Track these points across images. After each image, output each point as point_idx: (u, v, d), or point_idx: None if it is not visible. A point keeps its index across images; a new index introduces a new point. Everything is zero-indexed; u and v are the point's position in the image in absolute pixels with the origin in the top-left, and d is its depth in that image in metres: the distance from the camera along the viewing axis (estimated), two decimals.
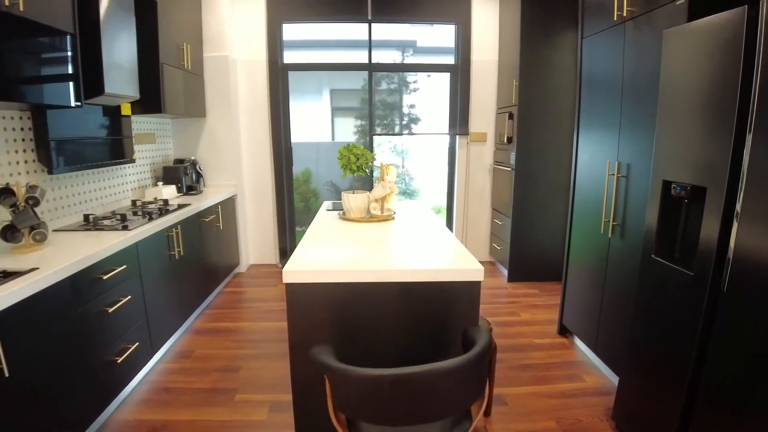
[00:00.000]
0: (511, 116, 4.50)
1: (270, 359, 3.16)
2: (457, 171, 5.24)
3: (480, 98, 5.08)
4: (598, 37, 2.90)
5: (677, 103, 1.95)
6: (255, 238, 5.29)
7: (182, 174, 4.28)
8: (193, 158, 4.55)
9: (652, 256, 2.09)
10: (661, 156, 2.05)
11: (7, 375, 1.74)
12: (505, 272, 4.75)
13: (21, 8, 2.15)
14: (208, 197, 4.17)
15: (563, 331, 3.49)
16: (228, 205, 4.62)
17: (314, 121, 6.73)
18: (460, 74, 5.06)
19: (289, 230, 5.30)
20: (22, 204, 2.36)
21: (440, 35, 5.90)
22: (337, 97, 7.46)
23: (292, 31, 5.11)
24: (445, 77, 5.26)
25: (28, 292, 1.88)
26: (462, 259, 2.00)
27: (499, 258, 5.00)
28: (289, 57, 5.11)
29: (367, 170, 2.84)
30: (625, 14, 2.55)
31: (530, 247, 4.60)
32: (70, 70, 2.57)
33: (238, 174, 4.92)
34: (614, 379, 2.75)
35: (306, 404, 2.01)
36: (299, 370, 1.97)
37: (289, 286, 1.87)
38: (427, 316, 1.91)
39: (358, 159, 2.78)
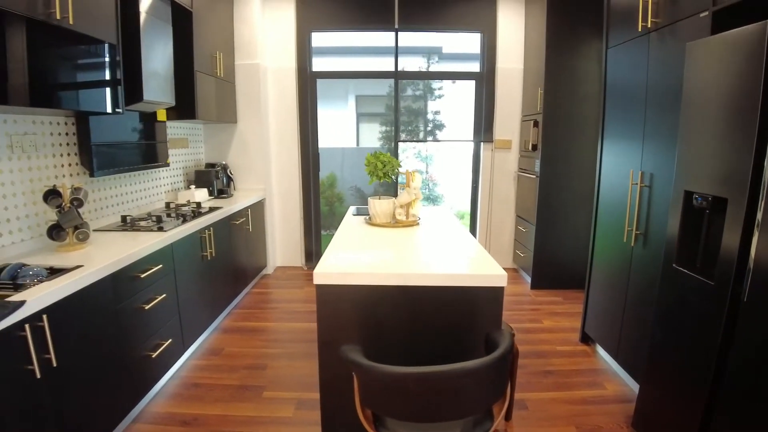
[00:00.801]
0: (536, 124, 4.53)
1: (295, 359, 3.25)
2: (482, 177, 5.29)
3: (505, 105, 5.12)
4: (623, 48, 2.93)
5: (699, 114, 1.98)
6: (282, 240, 5.42)
7: (214, 178, 4.42)
8: (224, 163, 4.70)
9: (674, 265, 2.12)
10: (683, 167, 2.08)
11: (54, 365, 1.86)
12: (528, 279, 4.77)
13: (71, 21, 2.29)
14: (238, 201, 4.30)
15: (585, 338, 3.50)
16: (257, 209, 4.76)
17: (339, 126, 6.84)
18: (486, 82, 5.11)
19: (315, 234, 5.41)
20: (68, 205, 2.51)
21: (465, 42, 5.96)
22: (362, 103, 7.56)
23: (319, 38, 5.23)
24: (470, 84, 5.31)
25: (75, 288, 2.01)
26: (486, 265, 2.06)
27: (522, 265, 5.02)
28: (317, 63, 5.23)
29: (393, 176, 2.91)
30: (649, 25, 2.58)
31: (554, 255, 4.61)
32: (114, 79, 2.71)
33: (266, 178, 5.05)
34: (635, 387, 2.76)
35: (333, 401, 2.09)
36: (327, 368, 2.05)
37: (319, 287, 1.95)
38: (451, 319, 1.98)
39: (384, 166, 2.86)
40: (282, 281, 4.99)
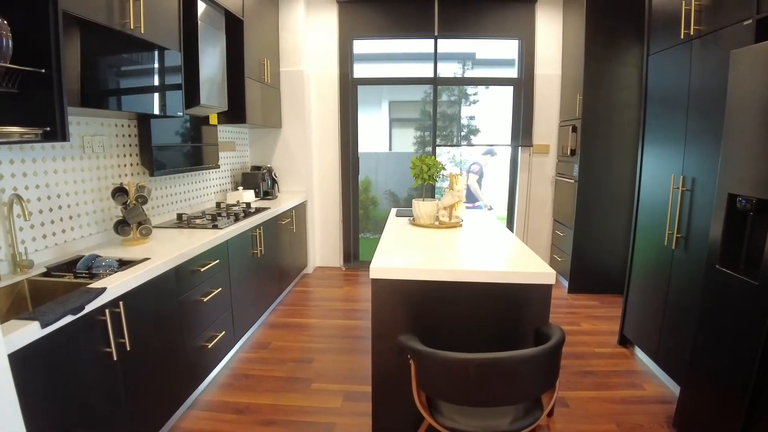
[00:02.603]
0: (574, 129, 4.57)
1: (340, 353, 3.38)
2: (519, 182, 5.34)
3: (543, 111, 5.17)
4: (664, 55, 2.96)
5: (744, 120, 2.02)
6: (321, 241, 5.57)
7: (260, 180, 4.60)
8: (269, 165, 4.88)
9: (717, 266, 2.15)
10: (727, 170, 2.11)
11: (128, 349, 2.02)
12: (566, 283, 4.79)
13: (142, 30, 2.47)
14: (283, 202, 4.47)
15: (624, 341, 3.52)
16: (300, 210, 4.92)
17: (373, 131, 6.96)
18: (524, 88, 5.17)
19: (353, 236, 5.54)
20: (133, 202, 2.68)
21: (499, 47, 6.03)
22: (396, 109, 7.68)
23: (357, 44, 5.36)
24: (504, 89, 5.37)
25: (145, 278, 2.17)
26: (534, 264, 2.14)
27: (559, 269, 5.04)
28: (356, 70, 5.36)
29: (437, 179, 3.01)
30: (692, 33, 2.61)
31: (591, 259, 4.62)
32: (177, 84, 2.89)
33: (308, 181, 5.22)
34: (675, 389, 2.79)
35: (384, 390, 2.19)
36: (379, 359, 2.15)
37: (374, 281, 2.07)
38: (501, 314, 2.06)
39: (429, 169, 2.95)
40: (322, 280, 5.13)
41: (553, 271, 2.01)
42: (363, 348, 3.45)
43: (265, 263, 3.80)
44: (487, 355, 1.43)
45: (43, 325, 1.57)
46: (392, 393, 2.16)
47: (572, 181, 4.64)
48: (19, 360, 1.43)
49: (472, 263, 2.18)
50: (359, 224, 5.70)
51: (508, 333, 2.08)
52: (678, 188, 2.75)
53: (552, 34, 5.05)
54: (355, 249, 5.60)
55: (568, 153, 4.72)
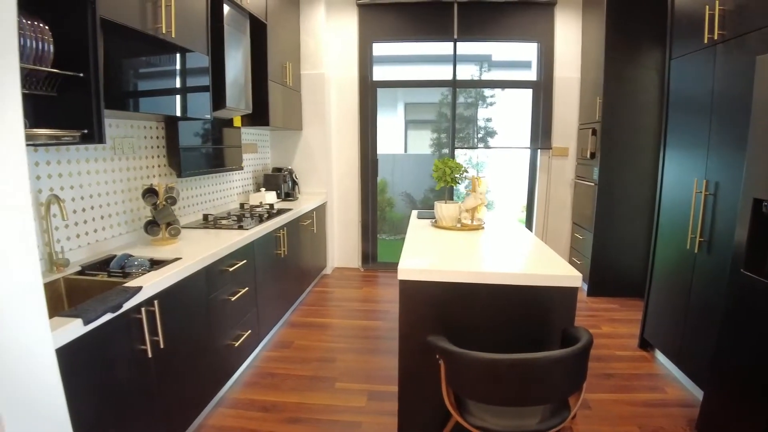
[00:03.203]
0: (594, 132, 4.57)
1: (362, 353, 3.42)
2: (538, 185, 5.34)
3: (561, 114, 5.17)
4: (687, 59, 2.96)
5: None
6: (340, 242, 5.62)
7: (281, 181, 4.67)
8: (289, 167, 4.94)
9: (742, 270, 2.15)
10: (752, 175, 2.11)
11: (162, 346, 2.07)
12: (585, 287, 4.79)
13: (173, 35, 2.53)
14: (304, 204, 4.52)
15: (644, 344, 3.51)
16: (320, 211, 4.98)
17: (389, 133, 6.99)
18: (543, 91, 5.17)
19: (371, 237, 5.58)
20: (162, 202, 2.74)
21: (515, 49, 6.03)
22: (412, 110, 7.70)
23: (376, 47, 5.40)
24: (521, 91, 5.38)
25: (178, 278, 2.22)
26: (560, 267, 2.15)
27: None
28: (374, 72, 5.41)
29: (460, 182, 3.03)
30: (716, 37, 2.60)
31: (611, 263, 4.61)
32: (204, 87, 2.95)
33: (328, 183, 5.28)
34: (697, 393, 2.78)
35: (411, 390, 2.22)
36: (406, 359, 2.19)
37: (402, 282, 2.10)
38: (527, 316, 2.08)
39: (452, 171, 2.98)
40: (341, 281, 5.18)
41: (579, 274, 2.03)
42: (385, 348, 3.48)
43: (288, 263, 3.86)
44: (518, 356, 1.45)
45: (86, 322, 1.63)
46: (418, 393, 2.19)
47: (592, 184, 4.64)
48: (64, 355, 1.47)
49: (498, 265, 2.21)
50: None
51: (534, 335, 2.10)
52: (701, 192, 2.74)
53: (571, 37, 5.05)
54: (374, 250, 5.65)
55: (588, 156, 4.71)
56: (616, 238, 4.57)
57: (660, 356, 3.31)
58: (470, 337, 2.10)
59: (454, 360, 1.60)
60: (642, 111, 4.37)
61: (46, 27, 1.92)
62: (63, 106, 2.04)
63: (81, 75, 2.01)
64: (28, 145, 2.02)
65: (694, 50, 2.87)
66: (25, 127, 1.87)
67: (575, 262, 5.09)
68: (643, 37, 4.27)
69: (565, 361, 1.50)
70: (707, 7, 2.62)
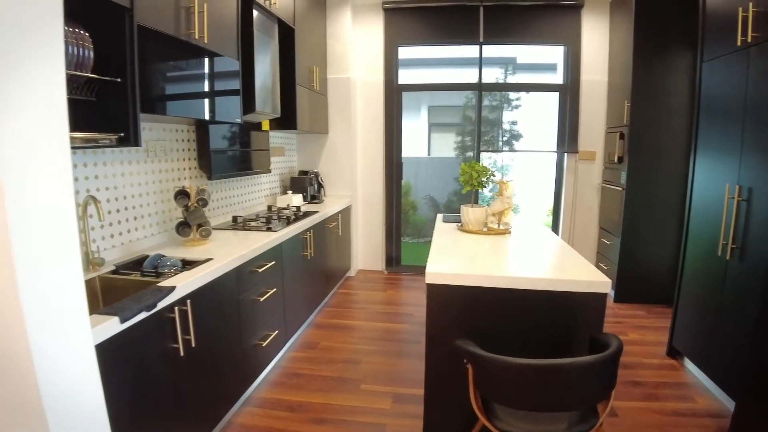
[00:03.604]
0: (622, 136, 4.51)
1: (387, 356, 3.43)
2: (565, 189, 5.29)
3: (588, 117, 5.12)
4: (719, 62, 2.91)
5: None
6: (364, 245, 5.66)
7: (307, 184, 4.72)
8: (315, 170, 4.99)
9: None
10: None
11: (193, 345, 2.11)
12: (611, 293, 4.72)
13: (206, 40, 2.59)
14: (329, 206, 4.57)
15: (673, 352, 3.45)
16: (345, 214, 5.02)
17: (412, 136, 6.99)
18: (570, 94, 5.13)
19: (395, 240, 5.60)
20: (194, 204, 2.79)
21: (539, 52, 5.99)
22: (435, 113, 7.70)
23: (401, 51, 5.42)
24: (546, 94, 5.34)
25: (210, 278, 2.27)
26: (589, 272, 2.14)
27: None
28: (399, 75, 5.43)
29: (486, 186, 3.03)
30: (749, 40, 2.55)
31: (639, 268, 4.55)
32: (235, 91, 3.01)
33: (353, 185, 5.32)
34: (728, 403, 2.73)
35: (437, 394, 2.23)
36: (433, 361, 2.19)
37: (430, 286, 2.10)
38: (555, 321, 2.08)
39: (479, 175, 2.98)
40: (365, 283, 5.21)
41: (608, 280, 2.02)
42: (409, 351, 3.50)
43: (314, 265, 3.90)
44: (548, 361, 1.45)
45: (122, 320, 1.68)
46: (445, 396, 2.19)
47: (619, 188, 4.58)
48: (101, 352, 1.52)
49: (526, 270, 2.20)
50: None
51: (561, 340, 2.09)
52: (733, 198, 2.69)
53: (598, 40, 4.99)
54: (397, 253, 5.66)
55: (615, 160, 4.66)
56: (643, 243, 4.50)
57: (689, 365, 3.25)
58: (497, 342, 2.09)
59: (483, 364, 1.60)
60: (671, 114, 4.30)
61: (87, 34, 1.99)
62: (100, 110, 2.11)
63: (119, 80, 2.07)
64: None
65: (726, 53, 2.82)
66: None
67: (602, 268, 5.02)
68: (672, 39, 4.20)
69: (594, 367, 1.49)
70: (740, 9, 2.57)
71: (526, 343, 2.11)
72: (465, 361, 1.74)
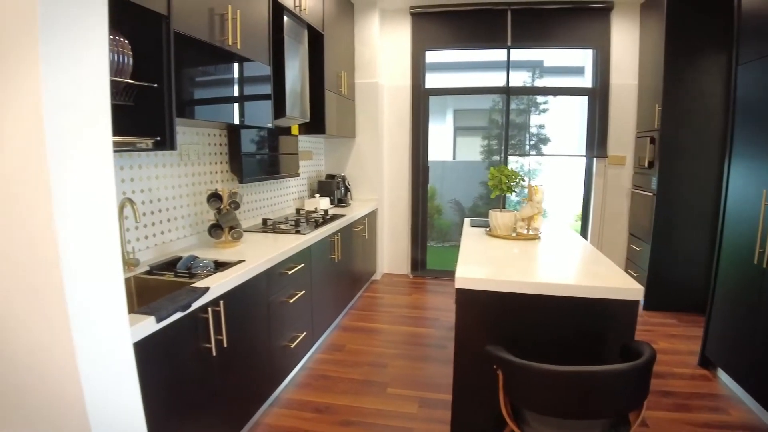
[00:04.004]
0: (652, 140, 4.44)
1: (413, 360, 3.43)
2: (594, 194, 5.23)
3: (618, 121, 5.05)
4: (756, 64, 2.84)
5: None
6: (390, 248, 5.67)
7: (335, 188, 4.77)
8: (342, 174, 5.04)
9: None
10: None
11: (225, 345, 2.15)
12: (641, 300, 4.64)
13: (238, 46, 2.64)
14: (356, 209, 4.60)
15: (705, 362, 3.37)
16: (371, 218, 5.05)
17: (438, 140, 6.99)
18: (599, 98, 5.07)
19: (421, 244, 5.60)
20: (226, 207, 2.85)
21: (567, 55, 5.94)
22: (461, 117, 7.68)
23: (428, 55, 5.43)
24: (573, 98, 5.28)
25: (242, 279, 2.31)
26: (620, 279, 2.12)
27: None
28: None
29: (515, 190, 3.02)
30: None
31: (669, 276, 4.46)
32: (266, 96, 3.06)
33: (379, 189, 5.35)
34: (764, 417, 2.66)
35: (465, 399, 2.22)
36: (462, 366, 2.19)
37: (459, 291, 2.10)
38: (585, 328, 2.05)
39: (508, 179, 2.97)
40: (390, 287, 5.22)
41: (640, 287, 1.99)
42: (435, 356, 3.49)
43: (341, 268, 3.93)
44: (581, 368, 1.44)
45: (158, 320, 1.72)
46: (473, 401, 2.19)
47: (650, 194, 4.51)
48: (138, 350, 1.56)
49: (557, 276, 2.19)
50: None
51: (592, 348, 2.06)
52: None
53: (628, 43, 4.92)
54: (423, 257, 5.65)
55: (646, 165, 4.58)
56: (675, 250, 4.42)
57: (723, 376, 3.18)
58: (527, 348, 2.09)
59: (514, 370, 1.60)
60: (704, 119, 4.21)
61: (127, 41, 2.05)
62: (138, 115, 2.17)
63: (155, 85, 2.12)
64: None
65: (763, 56, 2.76)
66: None
67: (631, 275, 4.94)
68: (706, 41, 4.12)
69: (627, 375, 1.48)
70: None
71: (557, 350, 2.09)
72: (495, 366, 1.74)
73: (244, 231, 3.26)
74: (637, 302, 2.01)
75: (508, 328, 2.10)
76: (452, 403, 2.26)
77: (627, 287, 2.00)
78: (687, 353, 3.59)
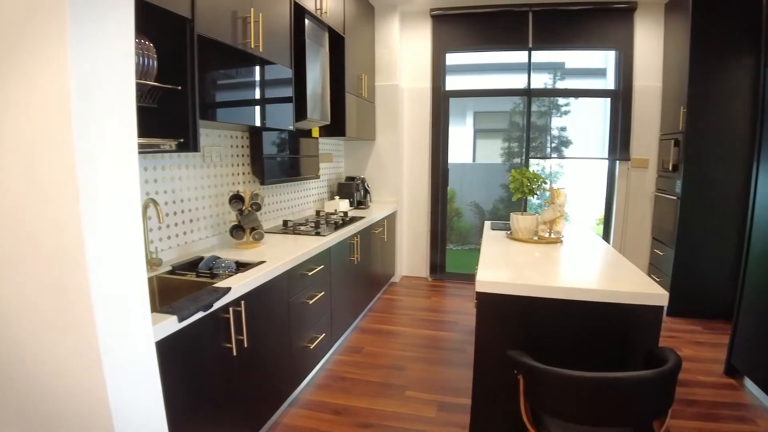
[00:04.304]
0: (677, 143, 4.36)
1: (432, 363, 3.42)
2: (616, 197, 5.15)
3: (641, 124, 4.97)
4: None
5: None
6: (408, 251, 5.66)
7: (354, 190, 4.78)
8: (362, 176, 5.05)
9: None
10: None
11: (245, 346, 2.17)
12: (664, 306, 4.55)
13: (261, 49, 2.66)
14: (375, 212, 4.60)
15: (731, 371, 3.29)
16: (391, 220, 5.05)
17: (458, 142, 6.94)
18: (622, 100, 5.00)
19: (440, 247, 5.58)
20: (248, 208, 2.87)
21: (588, 57, 5.86)
22: (481, 119, 7.62)
23: (448, 57, 5.42)
24: (595, 100, 5.21)
25: (263, 280, 2.32)
26: (644, 284, 2.08)
27: None
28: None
29: (537, 193, 2.99)
30: None
31: (694, 281, 4.36)
32: (288, 98, 3.08)
33: (398, 192, 5.35)
34: None
35: (484, 404, 2.21)
36: (482, 370, 2.17)
37: (480, 294, 2.09)
38: (606, 334, 2.02)
39: (530, 182, 2.94)
40: (409, 290, 5.21)
41: (665, 293, 1.96)
42: (454, 359, 3.47)
43: (360, 270, 3.94)
44: (604, 375, 1.42)
45: (180, 320, 1.74)
46: (492, 406, 2.17)
47: (674, 197, 4.42)
48: (160, 349, 1.58)
49: (579, 281, 2.16)
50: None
51: (615, 354, 2.03)
52: None
53: (652, 44, 4.85)
54: (442, 260, 5.63)
55: (670, 168, 4.50)
56: (699, 255, 4.33)
57: (750, 384, 3.10)
58: (548, 353, 2.06)
59: (535, 376, 1.58)
60: (730, 121, 4.12)
61: (151, 45, 2.08)
62: (161, 117, 2.20)
63: (179, 88, 2.16)
64: None
65: None
66: None
67: (654, 279, 4.83)
68: (732, 42, 4.03)
69: (651, 382, 1.45)
70: None
71: (578, 356, 2.06)
72: (516, 371, 1.72)
73: (265, 232, 3.28)
74: (661, 308, 1.97)
75: (529, 332, 2.08)
76: (471, 408, 2.24)
77: (651, 292, 1.96)
78: (712, 361, 3.51)
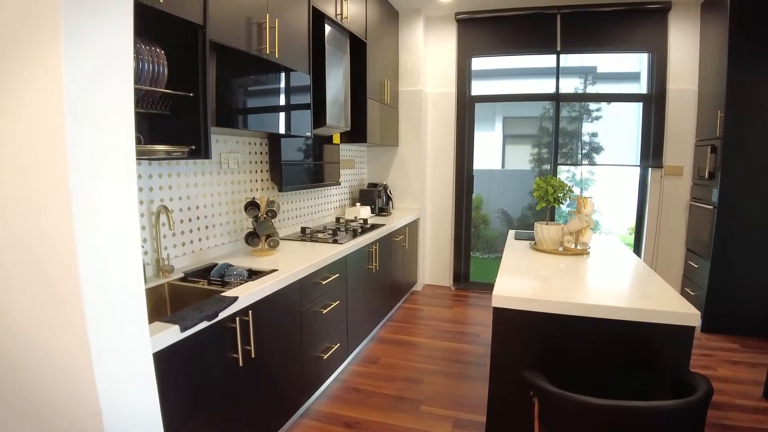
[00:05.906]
0: (713, 149, 4.16)
1: (449, 377, 3.31)
2: (648, 205, 4.95)
3: (675, 129, 4.76)
4: None
5: None
6: (431, 259, 5.55)
7: (376, 197, 4.72)
8: (384, 183, 4.99)
9: None
10: None
11: (253, 356, 2.12)
12: (699, 321, 4.33)
13: (276, 55, 2.63)
14: (396, 219, 4.52)
15: None
16: (413, 227, 4.96)
17: (486, 148, 6.82)
18: (655, 104, 4.81)
19: (464, 256, 5.46)
20: (263, 215, 2.83)
21: (622, 61, 5.67)
22: (510, 125, 7.48)
23: (474, 61, 5.31)
24: (629, 105, 5.03)
25: (273, 289, 2.28)
26: (674, 302, 1.94)
27: (692, 304, 4.57)
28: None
29: (563, 201, 2.86)
30: None
31: (731, 296, 4.14)
32: (306, 105, 3.04)
33: (421, 199, 5.25)
34: None
35: (499, 423, 2.10)
36: (497, 390, 2.07)
37: (497, 310, 1.99)
38: (631, 356, 1.89)
39: (555, 190, 2.82)
40: (431, 299, 5.10)
41: (696, 312, 1.82)
42: (473, 374, 3.35)
43: (379, 279, 3.86)
44: (625, 403, 1.31)
45: (183, 329, 1.70)
46: (507, 427, 2.06)
47: (710, 207, 4.22)
48: (161, 359, 1.54)
49: (603, 297, 2.02)
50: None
51: (640, 377, 1.90)
52: None
53: (687, 46, 4.64)
54: (466, 269, 5.51)
55: (706, 175, 4.29)
56: (737, 268, 4.10)
57: None
58: (567, 375, 1.95)
59: (551, 400, 1.48)
60: None
61: (162, 51, 2.06)
62: (173, 124, 2.19)
63: (191, 95, 2.13)
64: (142, 159, 2.19)
65: None
66: (139, 143, 2.02)
67: (688, 293, 4.64)
68: None
69: (679, 413, 1.33)
70: None
71: (600, 379, 1.93)
72: (531, 393, 1.62)
73: (283, 239, 3.25)
74: (692, 328, 1.83)
75: (548, 351, 1.96)
76: (486, 428, 2.14)
77: (682, 311, 1.82)
78: (750, 383, 3.30)
